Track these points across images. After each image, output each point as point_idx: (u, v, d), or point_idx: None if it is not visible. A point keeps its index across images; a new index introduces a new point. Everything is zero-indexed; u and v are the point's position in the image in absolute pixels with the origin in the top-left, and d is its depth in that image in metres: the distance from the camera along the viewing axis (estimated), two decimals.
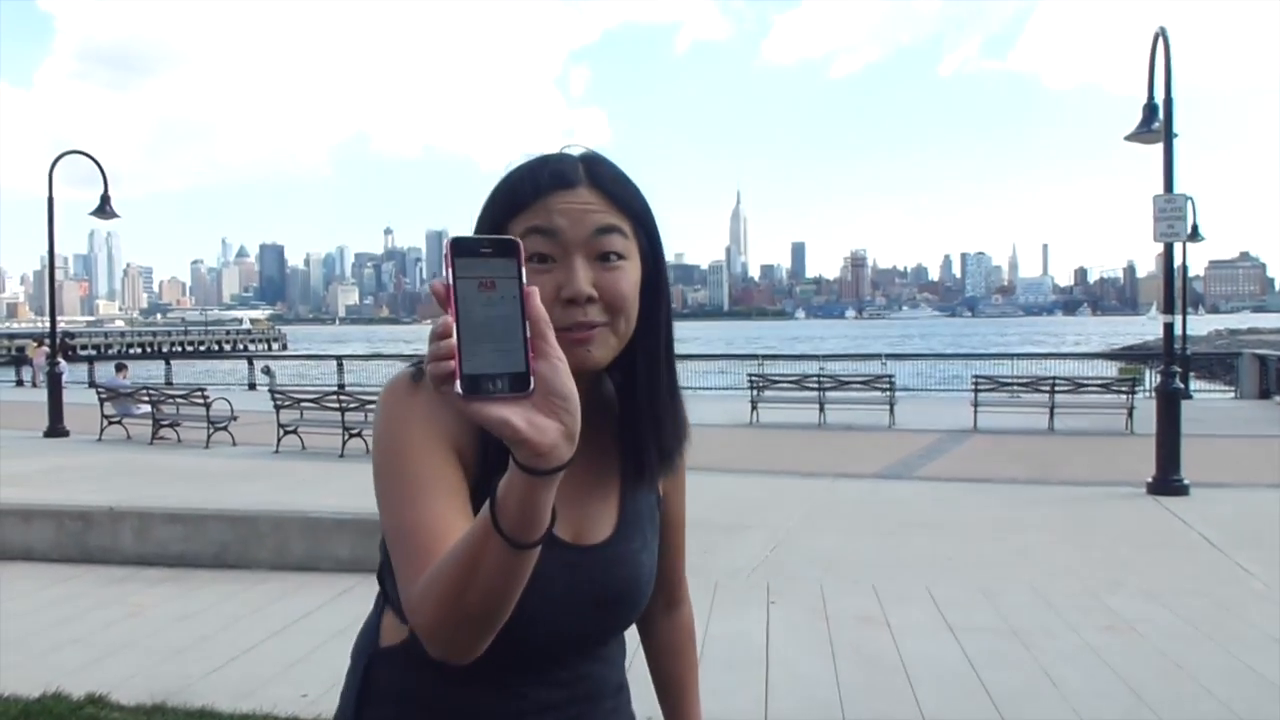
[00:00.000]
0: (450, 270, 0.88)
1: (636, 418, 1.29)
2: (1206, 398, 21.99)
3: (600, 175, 1.22)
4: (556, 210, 1.17)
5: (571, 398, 0.90)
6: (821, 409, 16.73)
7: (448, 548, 1.02)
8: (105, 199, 17.28)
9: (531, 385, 0.88)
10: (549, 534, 1.00)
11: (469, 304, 0.88)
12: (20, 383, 31.52)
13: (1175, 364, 10.56)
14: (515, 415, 0.88)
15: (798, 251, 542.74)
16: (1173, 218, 10.16)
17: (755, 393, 17.17)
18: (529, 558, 0.97)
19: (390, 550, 1.14)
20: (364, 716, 1.29)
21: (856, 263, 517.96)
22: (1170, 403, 9.92)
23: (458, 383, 0.86)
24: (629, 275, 1.20)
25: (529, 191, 1.19)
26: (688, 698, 1.56)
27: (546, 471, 0.91)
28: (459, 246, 0.89)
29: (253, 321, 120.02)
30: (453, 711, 1.24)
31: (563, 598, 1.20)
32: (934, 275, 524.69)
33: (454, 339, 0.87)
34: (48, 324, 18.92)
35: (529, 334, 0.88)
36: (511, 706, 1.24)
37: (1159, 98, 10.20)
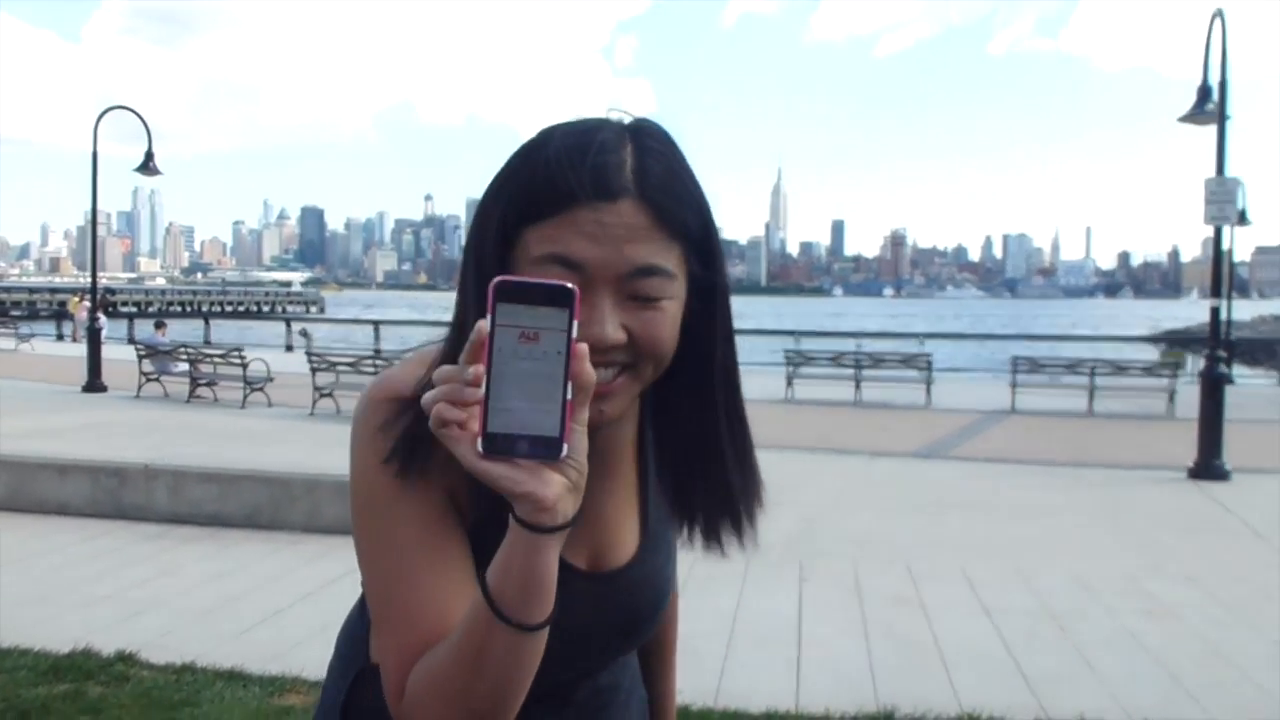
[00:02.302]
0: (491, 315, 0.77)
1: (685, 465, 1.10)
2: (1250, 383, 21.63)
3: (651, 180, 0.94)
4: (587, 234, 0.91)
5: (582, 453, 0.81)
6: (858, 386, 16.60)
7: (444, 635, 0.90)
8: (149, 156, 17.36)
9: (564, 451, 0.79)
10: (562, 560, 0.90)
11: (505, 356, 0.77)
12: (61, 337, 31.96)
13: (1220, 348, 10.35)
14: (519, 466, 0.79)
15: (837, 229, 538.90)
16: (1223, 201, 9.94)
17: (791, 369, 17.06)
18: (539, 638, 0.86)
19: (373, 621, 0.98)
20: None
21: (896, 241, 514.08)
22: (1214, 387, 9.76)
23: (479, 440, 0.78)
24: (669, 316, 0.96)
25: (555, 195, 0.92)
26: (669, 674, 1.42)
27: (550, 529, 0.81)
28: (505, 291, 0.78)
29: (303, 285, 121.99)
30: None
31: (583, 631, 1.06)
32: (974, 255, 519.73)
33: (482, 392, 0.77)
34: (89, 279, 19.11)
35: (569, 397, 0.78)
36: None
37: (1214, 79, 9.96)
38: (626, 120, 0.99)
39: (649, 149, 0.96)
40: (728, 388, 1.07)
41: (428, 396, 0.81)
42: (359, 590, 1.09)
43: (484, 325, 0.77)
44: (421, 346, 1.08)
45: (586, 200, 0.91)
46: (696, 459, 1.09)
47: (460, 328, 0.97)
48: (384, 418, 0.96)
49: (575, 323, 0.78)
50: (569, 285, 0.79)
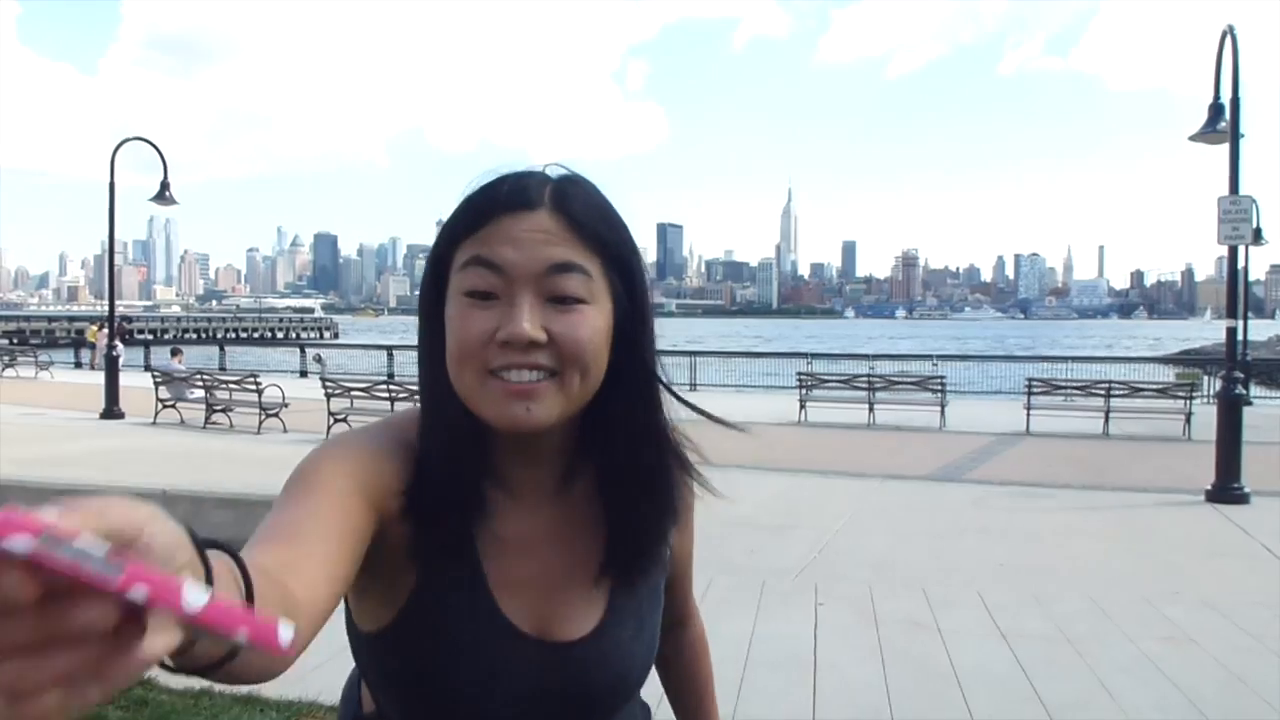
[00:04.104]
0: None
1: (618, 496, 1.07)
2: (1267, 404, 21.48)
3: (569, 199, 1.00)
4: (507, 239, 0.96)
5: None
6: (871, 409, 16.58)
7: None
8: (165, 185, 17.52)
9: None
10: (506, 622, 0.99)
11: None
12: (79, 365, 32.17)
13: (1237, 369, 10.31)
14: None
15: (848, 250, 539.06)
16: (1238, 219, 9.92)
17: (804, 391, 17.06)
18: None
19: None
20: None
21: (908, 262, 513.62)
22: (1232, 408, 9.71)
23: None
24: (589, 320, 0.97)
25: (477, 213, 0.99)
26: (705, 708, 1.43)
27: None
28: None
29: (323, 310, 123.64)
30: None
31: (530, 697, 1.04)
32: (987, 276, 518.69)
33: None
34: (106, 308, 19.25)
35: None
36: None
37: (1225, 97, 9.96)
38: (555, 173, 1.03)
39: (571, 182, 1.02)
40: (649, 407, 1.07)
41: None
42: None
43: None
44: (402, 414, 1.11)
45: (506, 211, 0.98)
46: (626, 475, 1.06)
47: (423, 348, 1.05)
48: (365, 445, 1.02)
49: None
50: None
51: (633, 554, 1.08)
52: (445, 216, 1.03)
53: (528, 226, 0.97)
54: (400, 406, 13.56)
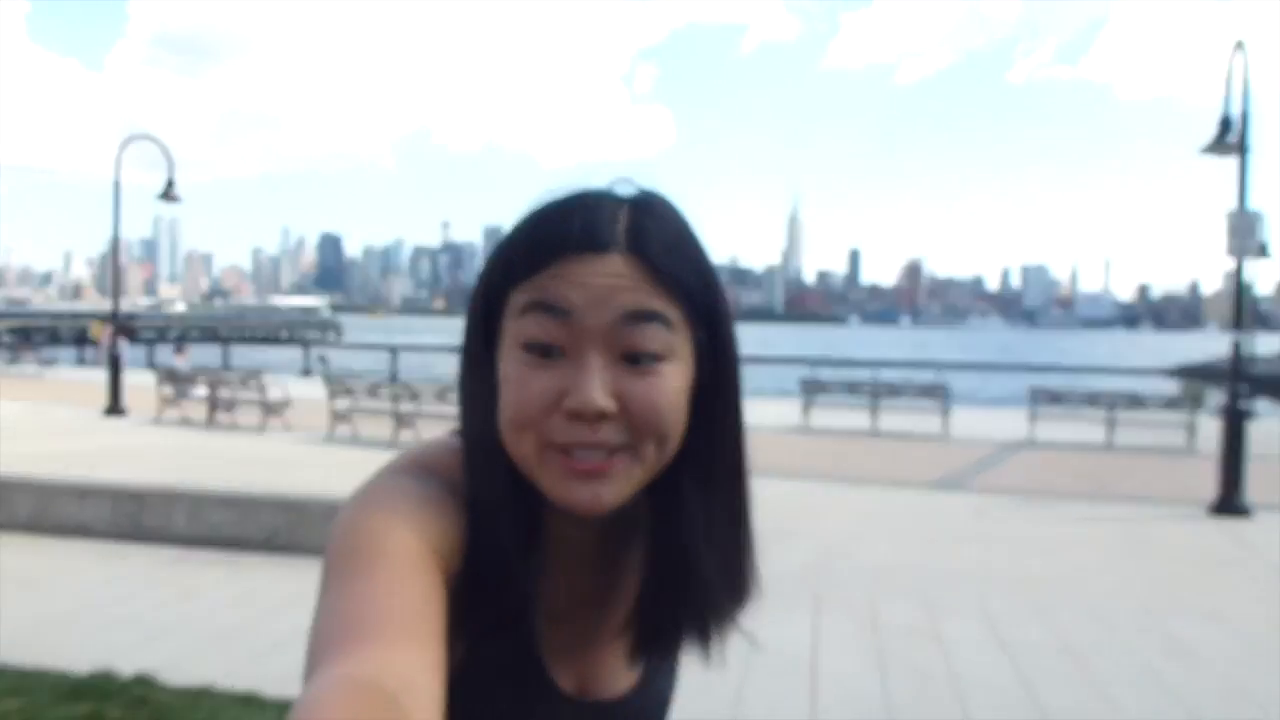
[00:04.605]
0: None
1: (676, 562, 0.91)
2: (1272, 419, 21.47)
3: (647, 237, 0.85)
4: (574, 282, 0.82)
5: None
6: (874, 416, 16.58)
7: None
8: (170, 184, 17.58)
9: None
10: (553, 686, 0.92)
11: None
12: (83, 362, 32.25)
13: (1242, 382, 10.30)
14: None
15: (854, 257, 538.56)
16: (1245, 233, 9.94)
17: (807, 398, 17.05)
18: None
19: (312, 629, 0.77)
20: None
21: (913, 270, 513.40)
22: (1236, 422, 9.70)
23: None
24: (668, 382, 0.83)
25: (540, 248, 0.84)
26: None
27: None
28: None
29: (330, 310, 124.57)
30: None
31: None
32: (992, 285, 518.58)
33: None
34: (111, 305, 19.29)
35: None
36: None
37: (1235, 110, 9.96)
38: (632, 191, 0.89)
39: (648, 211, 0.87)
40: (733, 475, 0.93)
41: None
42: None
43: None
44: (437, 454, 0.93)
45: (574, 252, 0.83)
46: (690, 547, 0.91)
47: (468, 399, 0.91)
48: (410, 507, 0.84)
49: None
50: None
51: (666, 640, 0.96)
52: (497, 247, 0.90)
53: (600, 271, 0.83)
54: (404, 407, 13.60)
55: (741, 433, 0.93)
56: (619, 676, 1.00)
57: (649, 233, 0.85)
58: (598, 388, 0.81)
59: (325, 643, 0.72)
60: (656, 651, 0.97)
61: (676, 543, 0.90)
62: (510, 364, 0.84)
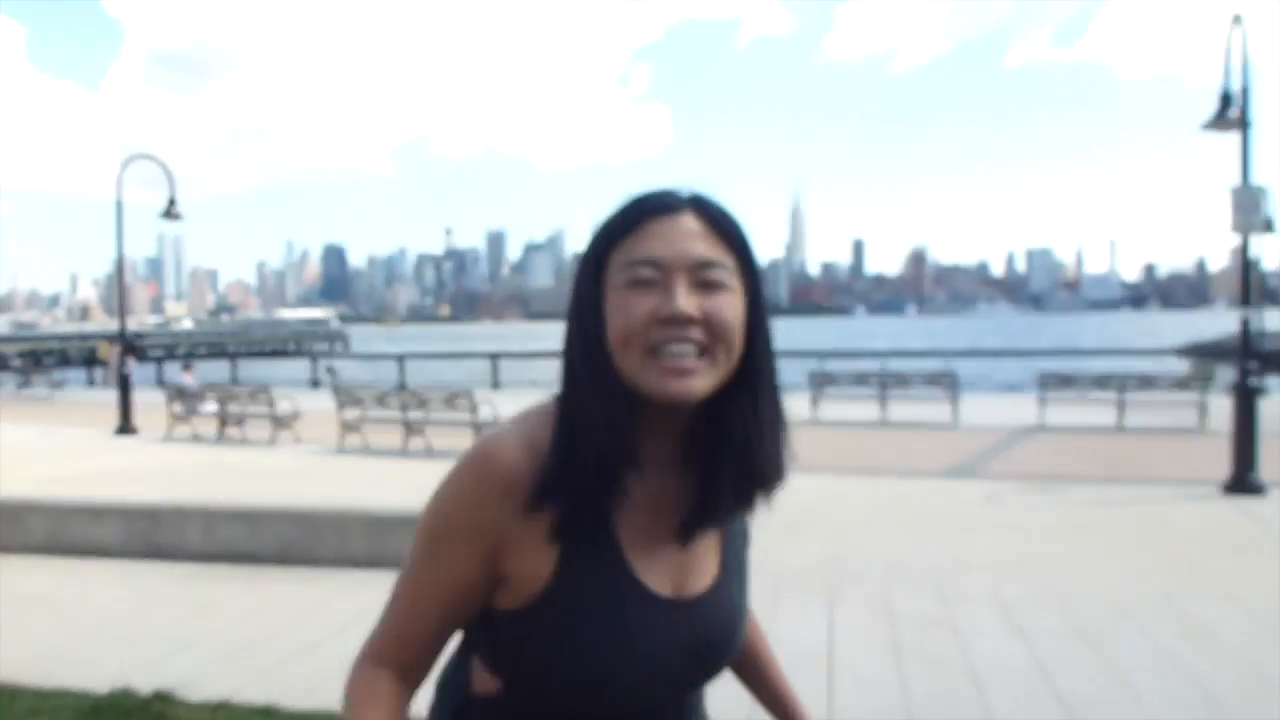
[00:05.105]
0: None
1: (735, 449, 1.19)
2: None
3: (707, 205, 1.18)
4: (657, 235, 1.14)
5: None
6: (883, 406, 16.56)
7: (406, 659, 1.20)
8: (172, 202, 17.63)
9: None
10: (643, 587, 1.15)
11: None
12: (92, 383, 32.33)
13: (1252, 359, 10.26)
14: None
15: (857, 248, 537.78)
16: (1249, 209, 9.89)
17: (816, 390, 17.04)
18: None
19: (386, 606, 1.22)
20: None
21: (918, 258, 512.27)
22: (1247, 400, 9.67)
23: None
24: (733, 303, 1.14)
25: (629, 218, 1.16)
26: (779, 677, 1.54)
27: None
28: None
29: (339, 320, 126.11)
30: None
31: (662, 652, 1.18)
32: (997, 270, 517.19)
33: None
34: (118, 325, 19.34)
35: None
36: None
37: (1235, 85, 9.93)
38: (685, 193, 1.19)
39: (703, 198, 1.19)
40: (772, 377, 1.21)
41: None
42: None
43: None
44: (527, 413, 1.21)
45: (655, 216, 1.15)
46: (748, 430, 1.19)
47: (571, 372, 1.17)
48: (491, 486, 1.13)
49: None
50: None
51: (731, 503, 1.21)
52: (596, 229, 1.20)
53: (676, 226, 1.14)
54: (413, 415, 13.61)
55: (774, 356, 1.22)
56: (700, 575, 1.22)
57: (708, 202, 1.18)
58: (684, 299, 1.11)
59: (380, 629, 1.22)
60: (721, 523, 1.23)
61: (740, 433, 1.18)
62: (617, 298, 1.13)
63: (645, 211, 1.15)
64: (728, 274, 1.14)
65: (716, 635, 1.23)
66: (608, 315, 1.13)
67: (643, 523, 1.18)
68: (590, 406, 1.13)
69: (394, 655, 1.19)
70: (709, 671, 1.25)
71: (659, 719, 1.24)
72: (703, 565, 1.23)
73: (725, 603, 1.24)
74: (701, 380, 1.11)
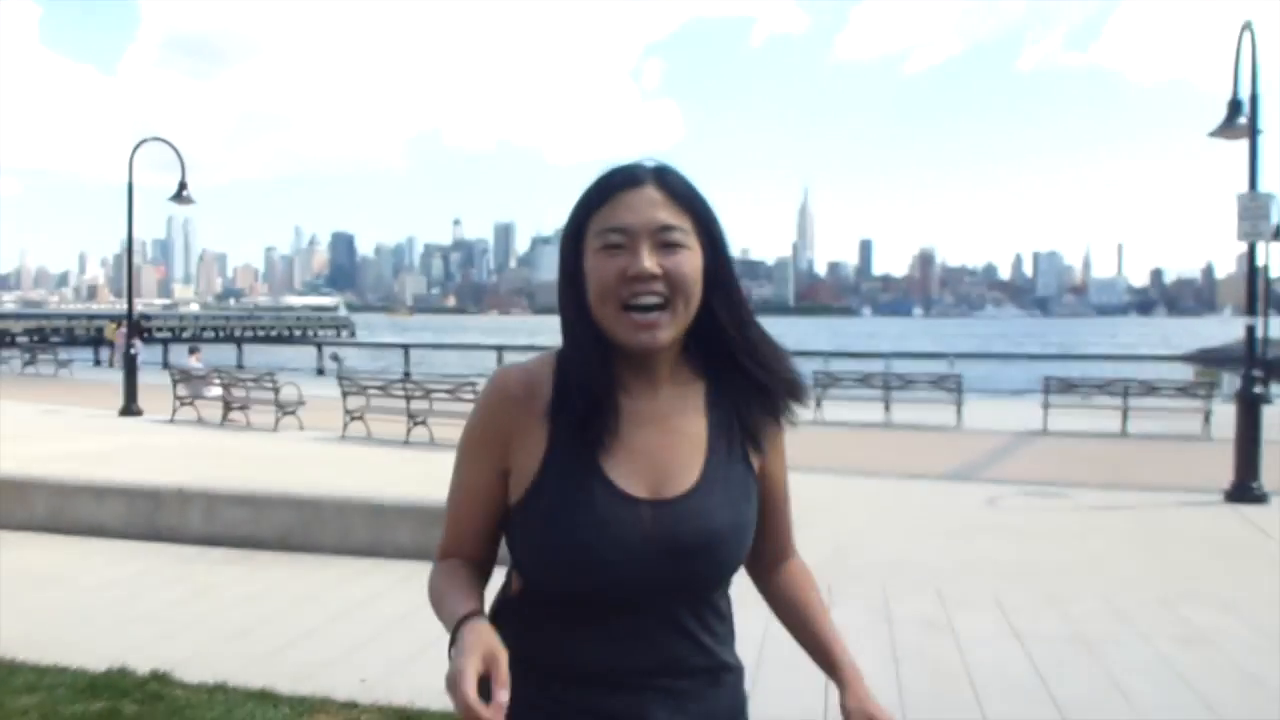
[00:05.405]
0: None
1: (738, 363, 1.44)
2: None
3: (668, 176, 1.40)
4: (624, 205, 1.36)
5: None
6: (887, 408, 16.53)
7: (462, 546, 1.49)
8: (183, 185, 17.65)
9: None
10: (612, 484, 1.35)
11: None
12: (98, 363, 32.39)
13: (1257, 367, 10.23)
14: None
15: (865, 248, 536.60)
16: (1257, 216, 9.86)
17: (820, 390, 17.01)
18: None
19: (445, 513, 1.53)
20: None
21: (925, 260, 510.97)
22: (1251, 407, 9.64)
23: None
24: (690, 260, 1.37)
25: (602, 191, 1.38)
26: (822, 623, 1.63)
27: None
28: None
29: (347, 309, 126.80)
30: (545, 656, 1.39)
31: (638, 546, 1.34)
32: (1004, 274, 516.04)
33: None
34: (125, 306, 19.37)
35: None
36: (596, 661, 1.38)
37: (1244, 93, 9.89)
38: (651, 163, 1.43)
39: (666, 169, 1.42)
40: (745, 309, 1.45)
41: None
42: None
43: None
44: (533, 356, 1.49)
45: (623, 188, 1.38)
46: (742, 347, 1.44)
47: (564, 322, 1.44)
48: (500, 393, 1.43)
49: None
50: None
51: (765, 394, 1.47)
52: (576, 196, 1.43)
53: (640, 198, 1.37)
54: (417, 405, 13.61)
55: (742, 294, 1.45)
56: (678, 481, 1.39)
57: (668, 174, 1.41)
58: (648, 259, 1.34)
59: (443, 534, 1.52)
60: (768, 409, 1.48)
61: (739, 348, 1.43)
62: (593, 260, 1.37)
63: (614, 185, 1.38)
64: (685, 235, 1.37)
65: (689, 537, 1.36)
66: (586, 275, 1.37)
67: (629, 436, 1.39)
68: (578, 350, 1.39)
69: (454, 550, 1.48)
70: (683, 572, 1.37)
71: (648, 627, 1.38)
72: (681, 474, 1.39)
73: (699, 510, 1.38)
74: (664, 332, 1.36)
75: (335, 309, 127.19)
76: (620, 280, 1.33)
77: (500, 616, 1.43)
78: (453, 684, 1.16)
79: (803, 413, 1.53)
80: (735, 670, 1.51)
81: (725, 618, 1.48)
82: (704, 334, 1.43)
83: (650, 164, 1.42)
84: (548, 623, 1.39)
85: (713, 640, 1.44)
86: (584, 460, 1.37)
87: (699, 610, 1.42)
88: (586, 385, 1.37)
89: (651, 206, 1.36)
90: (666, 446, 1.40)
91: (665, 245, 1.35)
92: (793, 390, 1.48)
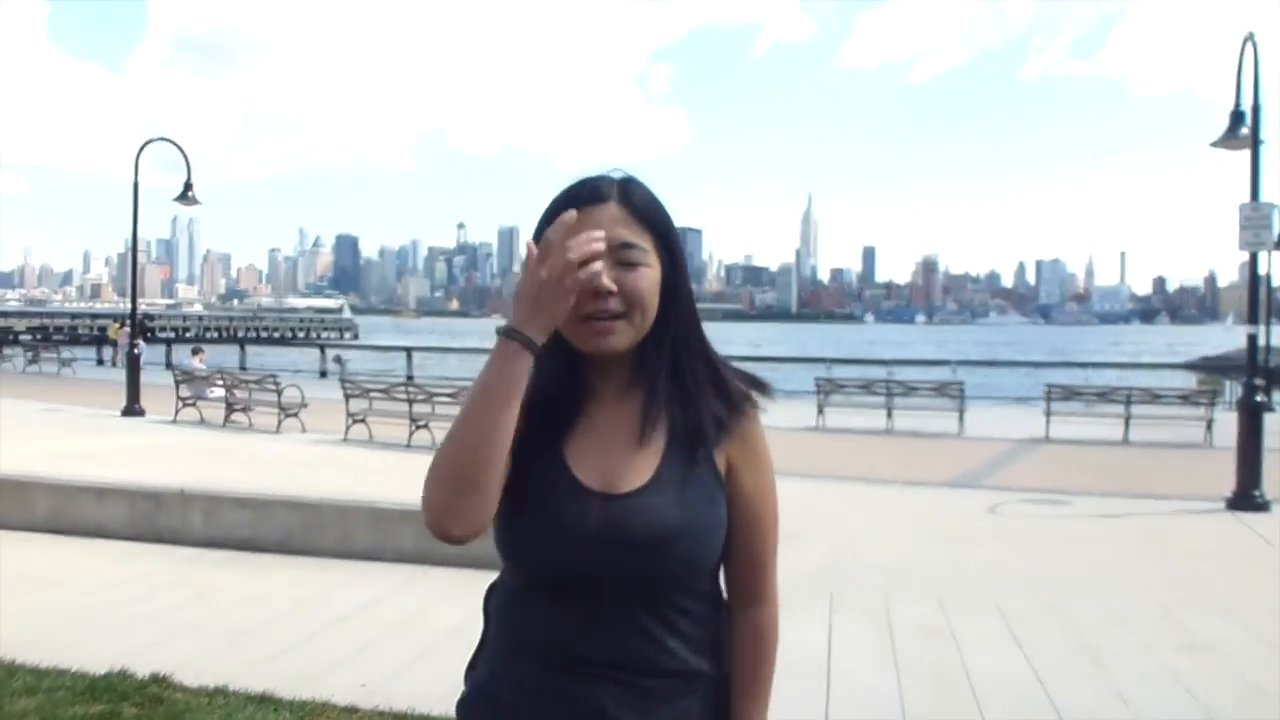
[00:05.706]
0: None
1: (679, 385, 1.49)
2: None
3: (630, 195, 1.45)
4: (588, 222, 1.38)
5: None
6: (889, 415, 16.52)
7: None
8: (188, 186, 17.66)
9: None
10: (572, 478, 1.42)
11: None
12: (101, 362, 32.41)
13: (1259, 376, 10.22)
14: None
15: (868, 255, 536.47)
16: (1259, 226, 9.86)
17: (822, 397, 17.00)
18: (522, 369, 1.34)
19: None
20: (486, 630, 1.56)
21: (928, 267, 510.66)
22: (1253, 416, 9.63)
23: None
24: (646, 277, 1.42)
25: (568, 205, 1.40)
26: (741, 706, 1.57)
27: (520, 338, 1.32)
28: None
29: (351, 311, 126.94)
30: (519, 635, 1.47)
31: (589, 536, 1.39)
32: (1007, 281, 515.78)
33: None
34: (129, 306, 19.38)
35: None
36: (557, 646, 1.42)
37: (1246, 104, 9.90)
38: (618, 175, 1.48)
39: (631, 183, 1.48)
40: (694, 327, 1.52)
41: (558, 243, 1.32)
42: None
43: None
44: None
45: (587, 203, 1.42)
46: (684, 370, 1.50)
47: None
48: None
49: None
50: None
51: (690, 424, 1.47)
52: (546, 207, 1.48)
53: (604, 214, 1.41)
54: (419, 409, 13.61)
55: (695, 311, 1.53)
56: (631, 479, 1.43)
57: (631, 192, 1.46)
58: (606, 275, 1.38)
59: None
60: (696, 438, 1.47)
61: (670, 367, 1.48)
62: None
63: (579, 201, 1.41)
64: (644, 254, 1.43)
65: (637, 532, 1.39)
66: None
67: (591, 435, 1.47)
68: (548, 351, 1.40)
69: None
70: (631, 567, 1.39)
71: (606, 620, 1.41)
72: (635, 472, 1.44)
73: (648, 506, 1.41)
74: (619, 338, 1.42)
75: (339, 311, 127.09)
76: (582, 294, 1.37)
77: (493, 593, 1.55)
78: (545, 248, 1.31)
79: (750, 425, 1.55)
80: (715, 679, 1.50)
81: (702, 623, 1.47)
82: (662, 342, 1.48)
83: (617, 175, 1.47)
84: (522, 604, 1.46)
85: (681, 644, 1.44)
86: (552, 451, 1.45)
87: (661, 610, 1.43)
88: (554, 386, 1.46)
89: (612, 223, 1.41)
90: (626, 445, 1.46)
91: (623, 263, 1.40)
92: (732, 402, 1.52)
